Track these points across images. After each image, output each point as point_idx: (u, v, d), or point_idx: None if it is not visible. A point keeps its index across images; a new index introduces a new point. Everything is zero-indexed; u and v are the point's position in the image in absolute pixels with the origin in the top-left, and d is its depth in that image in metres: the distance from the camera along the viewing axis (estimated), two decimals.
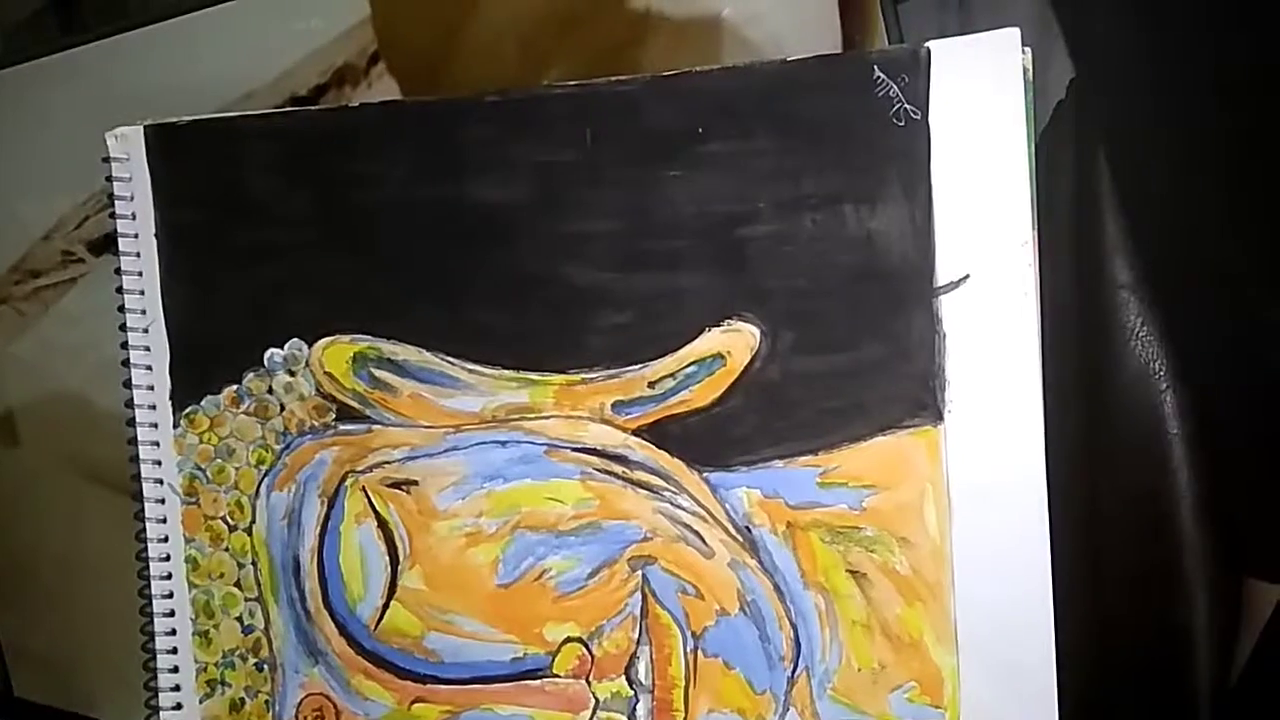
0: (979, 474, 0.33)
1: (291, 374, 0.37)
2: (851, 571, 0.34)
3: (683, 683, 0.35)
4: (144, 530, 0.38)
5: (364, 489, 0.37)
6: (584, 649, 0.36)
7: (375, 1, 0.42)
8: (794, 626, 0.34)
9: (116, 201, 0.37)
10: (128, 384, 0.38)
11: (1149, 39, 0.39)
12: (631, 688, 0.35)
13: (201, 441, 0.38)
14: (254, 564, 0.38)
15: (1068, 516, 0.33)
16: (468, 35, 0.41)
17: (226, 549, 0.38)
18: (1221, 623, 0.39)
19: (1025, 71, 0.32)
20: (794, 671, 0.35)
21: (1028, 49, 0.32)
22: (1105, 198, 0.40)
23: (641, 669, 0.35)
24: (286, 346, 0.37)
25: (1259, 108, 0.36)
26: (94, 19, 0.46)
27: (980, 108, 0.32)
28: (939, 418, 0.33)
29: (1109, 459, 0.40)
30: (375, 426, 0.36)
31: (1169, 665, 0.40)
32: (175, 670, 0.38)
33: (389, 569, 0.36)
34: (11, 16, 0.48)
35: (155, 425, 0.38)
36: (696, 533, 0.35)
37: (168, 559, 0.38)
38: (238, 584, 0.38)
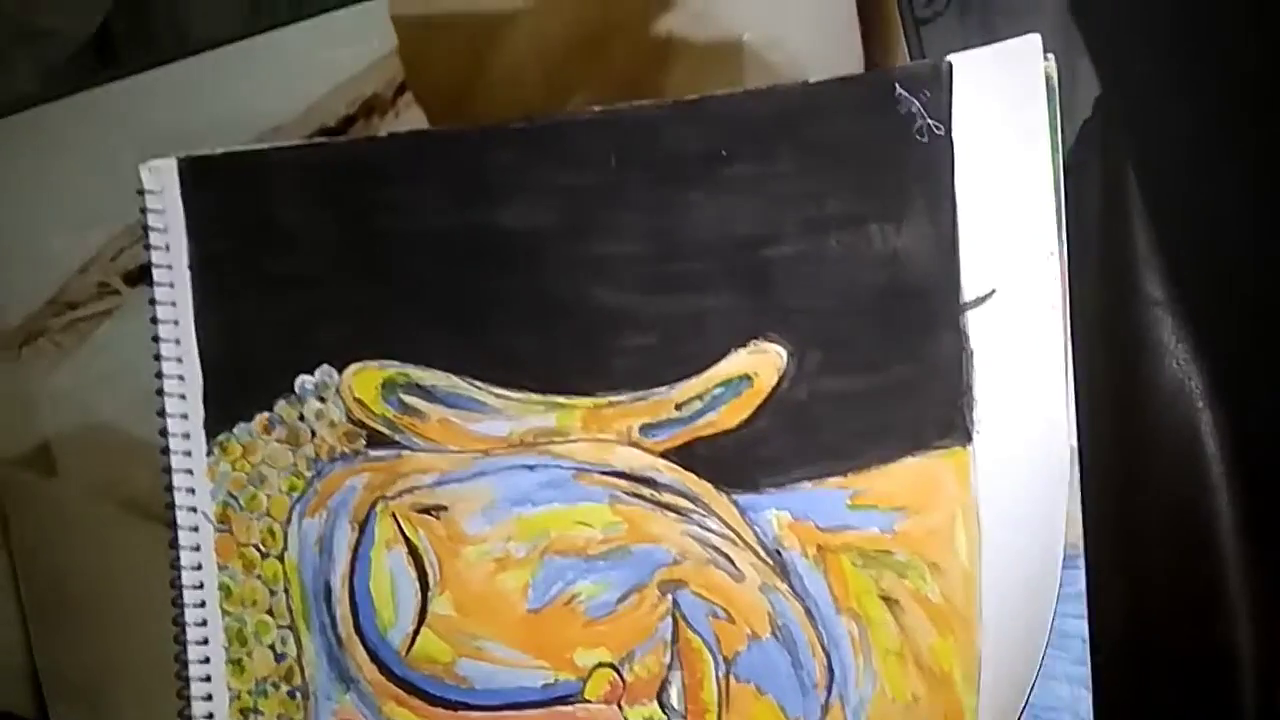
0: (1009, 496, 0.32)
1: (322, 400, 0.37)
2: (884, 598, 0.34)
3: (715, 708, 0.35)
4: (177, 558, 0.38)
5: (394, 515, 0.37)
6: (615, 674, 0.35)
7: (402, 32, 0.42)
8: (827, 653, 0.34)
9: (150, 233, 0.38)
10: (161, 412, 0.38)
11: (1176, 53, 0.38)
12: (664, 712, 0.35)
13: (234, 469, 0.38)
14: (286, 591, 0.38)
15: (1103, 539, 0.33)
16: (493, 64, 0.41)
17: (259, 576, 0.38)
18: (1266, 646, 0.38)
19: (1049, 79, 0.32)
20: (828, 699, 0.34)
21: (1050, 55, 0.32)
22: (1135, 214, 0.39)
23: (674, 694, 0.35)
24: (317, 373, 0.37)
25: None
26: (126, 55, 0.47)
27: (1004, 117, 0.32)
28: (968, 438, 0.33)
29: (1145, 479, 0.39)
30: (404, 452, 0.37)
31: (1212, 691, 0.39)
32: (209, 699, 0.38)
33: (419, 595, 0.36)
34: (58, 55, 0.49)
35: (189, 453, 0.38)
36: (726, 556, 0.34)
37: (201, 586, 0.38)
38: (270, 611, 0.38)
